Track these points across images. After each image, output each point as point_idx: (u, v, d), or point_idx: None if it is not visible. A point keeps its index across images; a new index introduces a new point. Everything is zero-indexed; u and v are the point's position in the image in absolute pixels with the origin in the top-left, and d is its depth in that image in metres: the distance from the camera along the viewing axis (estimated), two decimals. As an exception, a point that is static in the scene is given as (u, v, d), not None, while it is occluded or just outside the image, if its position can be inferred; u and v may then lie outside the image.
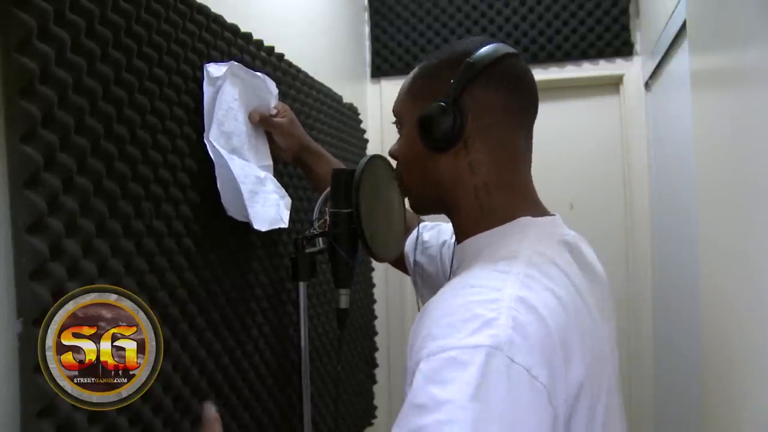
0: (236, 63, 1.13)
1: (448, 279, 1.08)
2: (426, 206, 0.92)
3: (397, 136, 0.91)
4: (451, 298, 0.69)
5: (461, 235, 0.86)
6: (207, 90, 1.07)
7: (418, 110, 0.82)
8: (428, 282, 1.24)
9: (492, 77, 0.81)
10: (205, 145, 1.05)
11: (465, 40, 0.88)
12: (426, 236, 1.24)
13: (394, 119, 0.91)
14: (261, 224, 1.11)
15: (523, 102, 0.84)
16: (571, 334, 0.68)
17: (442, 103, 0.79)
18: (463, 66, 0.80)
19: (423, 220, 1.32)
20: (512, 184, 0.83)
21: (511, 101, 0.82)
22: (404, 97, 0.88)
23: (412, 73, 0.88)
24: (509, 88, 0.82)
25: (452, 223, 0.89)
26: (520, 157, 0.84)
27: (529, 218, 0.81)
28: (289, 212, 1.21)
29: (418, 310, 1.25)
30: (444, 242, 1.20)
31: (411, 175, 0.88)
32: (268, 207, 1.15)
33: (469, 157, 0.81)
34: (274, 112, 1.24)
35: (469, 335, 0.63)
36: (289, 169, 1.42)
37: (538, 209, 0.85)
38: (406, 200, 0.94)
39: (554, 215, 0.85)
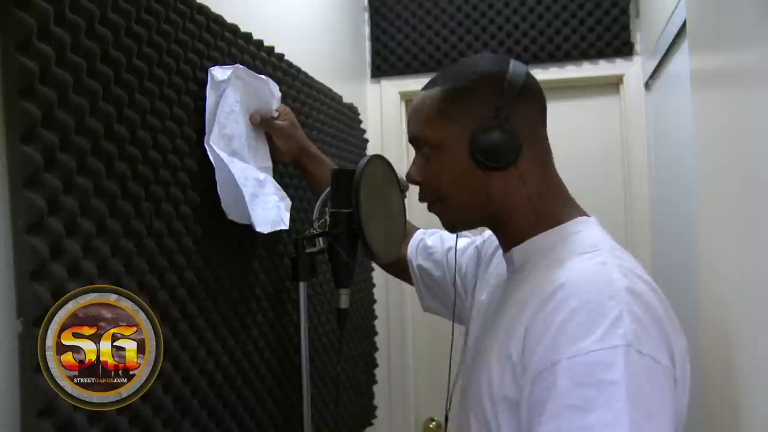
0: (241, 66, 1.14)
1: (455, 287, 1.11)
2: (469, 224, 0.96)
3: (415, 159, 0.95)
4: (565, 300, 0.74)
5: (515, 239, 0.91)
6: (210, 94, 1.07)
7: (460, 131, 0.86)
8: (431, 287, 1.25)
9: (527, 92, 0.87)
10: (206, 148, 1.05)
11: (480, 58, 0.93)
12: (429, 242, 1.25)
13: (417, 143, 0.93)
14: (263, 226, 1.11)
15: (545, 112, 0.92)
16: (669, 311, 0.78)
17: (495, 123, 0.84)
18: (506, 86, 0.85)
19: (417, 227, 1.33)
20: (556, 187, 0.92)
21: (541, 113, 0.91)
22: (435, 121, 0.89)
23: (433, 96, 0.90)
24: (538, 101, 0.90)
25: (500, 231, 0.94)
26: (552, 160, 0.93)
27: (585, 218, 0.90)
28: (289, 213, 1.21)
29: (423, 309, 1.28)
30: (449, 248, 1.21)
31: (457, 195, 0.90)
32: (268, 209, 1.15)
33: (519, 171, 0.87)
34: (275, 114, 1.24)
35: (603, 336, 0.70)
36: (289, 169, 1.42)
37: (580, 209, 0.92)
38: (441, 219, 0.97)
39: (592, 216, 0.92)
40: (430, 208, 0.96)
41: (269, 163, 1.24)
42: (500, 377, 0.80)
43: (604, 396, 0.67)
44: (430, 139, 0.90)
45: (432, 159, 0.91)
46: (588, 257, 0.80)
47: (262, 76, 1.21)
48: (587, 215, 0.91)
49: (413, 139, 0.94)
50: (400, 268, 1.30)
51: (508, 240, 0.92)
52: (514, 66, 0.88)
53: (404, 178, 1.19)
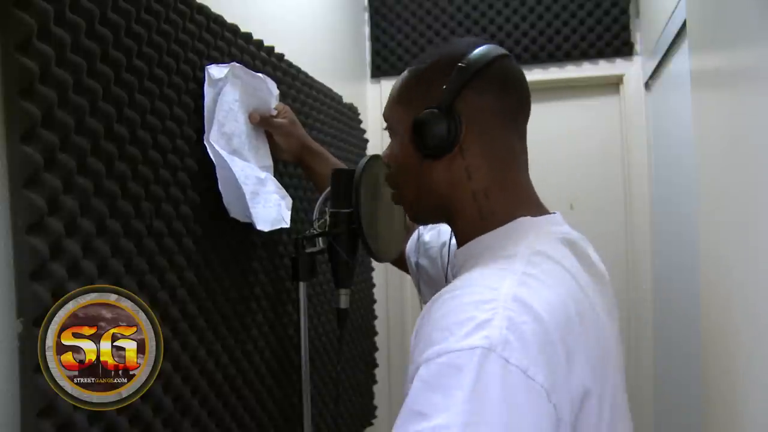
0: (238, 64, 1.14)
1: (447, 281, 1.08)
2: (423, 215, 0.90)
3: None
4: (449, 300, 0.69)
5: (461, 239, 0.85)
6: (208, 92, 1.07)
7: (410, 117, 0.81)
8: (430, 283, 1.24)
9: (484, 81, 0.79)
10: (206, 146, 1.05)
11: (455, 41, 0.87)
12: (426, 237, 1.24)
13: (385, 125, 0.89)
14: (264, 225, 1.11)
15: (516, 104, 0.82)
16: (573, 334, 0.67)
17: (436, 110, 0.78)
18: (455, 71, 0.78)
19: None
20: (510, 186, 0.82)
21: (505, 104, 0.81)
22: (394, 103, 0.85)
23: (401, 78, 0.86)
24: (502, 90, 0.81)
25: (452, 228, 0.88)
26: (516, 159, 0.83)
27: (528, 218, 0.81)
28: (290, 212, 1.21)
29: (421, 310, 1.26)
30: (444, 243, 1.20)
31: (405, 183, 0.86)
32: (269, 207, 1.15)
33: (465, 163, 0.80)
34: (274, 113, 1.24)
35: (463, 338, 0.62)
36: (290, 169, 1.42)
37: (537, 209, 0.84)
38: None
39: (554, 213, 0.85)
40: (393, 197, 0.92)
41: (270, 162, 1.24)
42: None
43: (446, 402, 0.59)
44: (386, 119, 0.87)
45: (392, 140, 0.88)
46: (499, 264, 0.73)
47: (260, 75, 1.21)
48: (540, 214, 0.82)
49: (384, 118, 0.90)
50: (403, 264, 1.30)
51: (460, 238, 0.87)
52: (479, 51, 0.80)
53: (404, 178, 1.19)
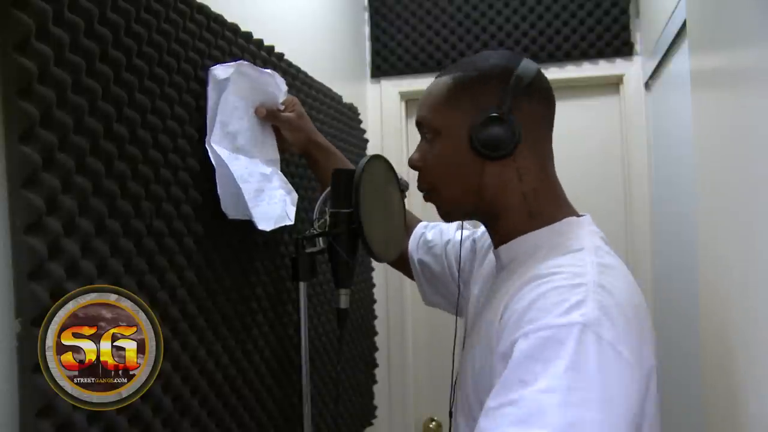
0: (245, 62, 1.13)
1: (458, 284, 1.11)
2: (461, 214, 0.96)
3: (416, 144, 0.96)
4: (543, 284, 0.75)
5: (505, 236, 0.91)
6: (211, 94, 1.07)
7: (463, 119, 0.86)
8: (432, 281, 1.24)
9: (535, 90, 0.88)
10: (207, 149, 1.05)
11: (491, 53, 0.93)
12: (429, 236, 1.24)
13: (422, 128, 0.94)
14: (266, 224, 1.11)
15: (553, 113, 0.92)
16: (642, 318, 0.76)
17: (498, 114, 0.84)
18: (513, 79, 0.86)
19: (421, 220, 1.32)
20: (553, 186, 0.91)
21: (548, 111, 0.91)
22: (442, 106, 0.90)
23: (443, 83, 0.91)
24: (546, 100, 0.90)
25: (492, 227, 0.94)
26: (552, 161, 0.93)
27: (574, 218, 0.89)
28: (295, 208, 1.21)
29: (425, 303, 1.28)
30: (448, 241, 1.21)
31: (449, 184, 0.91)
32: (273, 204, 1.15)
33: (516, 165, 0.87)
34: (282, 107, 1.24)
35: (561, 315, 0.70)
36: (291, 168, 1.42)
37: (574, 209, 0.92)
38: (436, 208, 0.98)
39: (586, 214, 0.92)
40: (426, 197, 0.96)
41: (276, 156, 1.23)
42: (485, 375, 0.79)
43: (547, 371, 0.66)
44: (433, 123, 0.91)
45: (433, 144, 0.92)
46: (570, 256, 0.81)
47: (268, 70, 1.21)
48: (578, 215, 0.91)
49: (419, 123, 0.95)
50: (403, 263, 1.30)
51: (498, 236, 0.93)
52: (526, 63, 0.88)
53: (404, 178, 1.19)
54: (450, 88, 0.90)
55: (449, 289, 1.21)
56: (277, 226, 1.14)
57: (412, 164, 0.96)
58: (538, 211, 0.88)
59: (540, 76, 0.90)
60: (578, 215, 0.91)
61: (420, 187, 0.97)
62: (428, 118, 0.92)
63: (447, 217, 0.97)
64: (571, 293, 0.72)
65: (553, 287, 0.74)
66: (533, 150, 0.88)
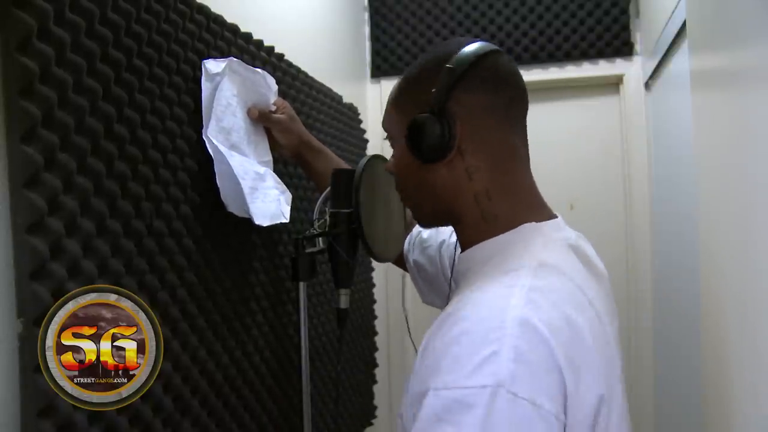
0: (235, 59, 1.13)
1: (450, 285, 1.09)
2: (429, 219, 0.90)
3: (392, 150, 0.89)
4: (458, 323, 0.69)
5: (465, 243, 0.85)
6: (205, 86, 1.07)
7: (403, 122, 0.80)
8: (428, 281, 1.24)
9: (474, 79, 0.78)
10: (204, 141, 1.05)
11: (443, 43, 0.86)
12: (425, 235, 1.24)
13: (385, 135, 0.89)
14: (262, 219, 1.11)
15: (509, 99, 0.81)
16: (581, 349, 0.68)
17: (427, 114, 0.77)
18: (443, 72, 0.77)
19: None
20: (513, 187, 0.81)
21: (498, 100, 0.80)
22: (391, 111, 0.85)
23: (395, 85, 0.86)
24: (494, 87, 0.80)
25: (455, 231, 0.87)
26: (517, 157, 0.82)
27: (533, 224, 0.80)
28: (289, 207, 1.21)
29: (423, 302, 1.26)
30: (443, 242, 1.20)
31: (408, 189, 0.87)
32: (268, 202, 1.15)
33: (464, 164, 0.79)
34: (273, 108, 1.24)
35: (472, 373, 0.64)
36: (290, 168, 1.42)
37: (541, 212, 0.83)
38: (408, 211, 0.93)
39: (557, 217, 0.84)
40: (402, 202, 0.93)
41: (269, 157, 1.23)
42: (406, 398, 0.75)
43: None
44: (386, 127, 0.88)
45: (393, 149, 0.88)
46: (506, 278, 0.73)
47: (258, 70, 1.20)
48: (540, 219, 0.81)
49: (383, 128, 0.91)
50: (403, 263, 1.29)
51: (463, 242, 0.87)
52: (467, 50, 0.79)
53: (404, 179, 1.19)
54: (397, 90, 0.85)
55: (443, 289, 1.21)
56: (273, 222, 1.14)
57: (388, 170, 0.92)
58: (491, 213, 0.80)
59: (485, 63, 0.79)
60: (540, 219, 0.81)
61: (396, 190, 0.94)
62: (383, 123, 0.88)
63: (420, 222, 0.93)
64: (485, 341, 0.65)
65: (468, 331, 0.67)
66: (481, 145, 0.79)
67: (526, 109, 0.84)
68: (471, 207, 0.81)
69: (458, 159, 0.79)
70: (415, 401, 0.68)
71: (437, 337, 0.70)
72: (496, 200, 0.80)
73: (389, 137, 0.88)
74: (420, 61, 0.84)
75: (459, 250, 0.89)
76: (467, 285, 0.78)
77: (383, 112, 0.88)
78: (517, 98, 0.82)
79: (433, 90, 0.77)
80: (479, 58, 0.79)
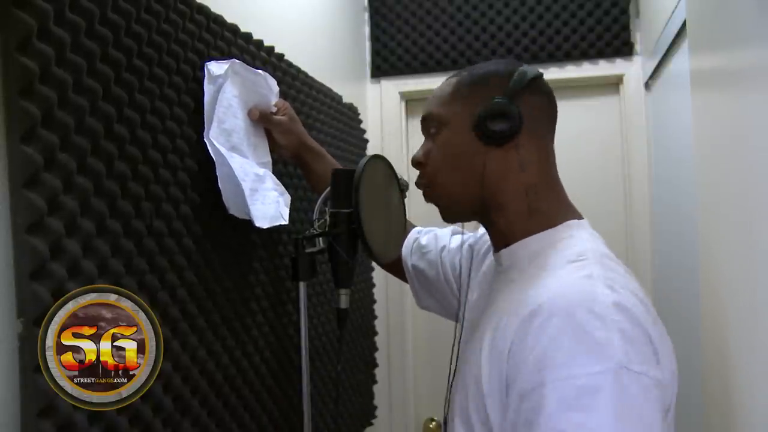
0: (237, 61, 1.14)
1: (453, 286, 1.10)
2: (461, 210, 0.95)
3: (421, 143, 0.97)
4: (557, 312, 0.73)
5: (505, 238, 0.90)
6: (208, 88, 1.07)
7: (469, 109, 0.88)
8: (426, 285, 1.24)
9: (537, 88, 0.90)
10: (206, 143, 1.05)
11: (499, 59, 0.99)
12: (423, 240, 1.24)
13: (427, 125, 0.96)
14: (262, 221, 1.11)
15: (554, 113, 0.94)
16: (658, 325, 0.76)
17: (502, 99, 0.86)
18: (517, 73, 0.89)
19: (415, 225, 1.32)
20: (554, 184, 0.91)
21: (549, 110, 0.93)
22: (447, 101, 0.92)
23: (453, 81, 0.94)
24: (548, 100, 0.93)
25: (492, 227, 0.93)
26: (554, 160, 0.93)
27: (576, 221, 0.88)
28: (288, 209, 1.21)
29: (419, 307, 1.26)
30: (443, 247, 1.21)
31: (452, 174, 0.91)
32: (268, 204, 1.15)
33: (519, 156, 0.87)
34: (274, 109, 1.24)
35: (590, 359, 0.69)
36: (290, 168, 1.42)
37: (575, 212, 0.92)
38: (438, 207, 0.98)
39: (584, 219, 0.92)
40: (427, 195, 0.96)
41: (269, 159, 1.24)
42: (488, 381, 0.79)
43: (593, 420, 0.67)
44: (439, 115, 0.93)
45: (437, 137, 0.93)
46: (574, 267, 0.79)
47: (260, 71, 1.21)
48: (579, 218, 0.91)
49: (424, 119, 0.96)
50: (397, 268, 1.29)
51: (499, 237, 0.92)
52: (528, 66, 0.92)
53: (404, 178, 1.19)
54: (456, 85, 0.93)
55: (443, 293, 1.21)
56: (273, 224, 1.14)
57: (416, 161, 0.97)
58: (537, 207, 0.88)
59: (542, 79, 0.93)
60: (579, 218, 0.91)
61: (420, 184, 0.97)
62: (434, 112, 0.94)
63: (448, 213, 0.96)
64: (591, 328, 0.70)
65: (569, 322, 0.72)
66: (535, 143, 0.89)
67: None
68: (519, 198, 0.88)
69: (514, 150, 0.88)
70: (525, 396, 0.71)
71: (525, 336, 0.74)
72: (542, 196, 0.89)
73: (436, 123, 0.93)
74: (482, 67, 0.94)
75: (484, 249, 1.00)
76: (526, 277, 0.83)
77: (429, 105, 0.95)
78: (556, 116, 0.95)
79: (506, 86, 0.88)
80: (541, 75, 0.93)
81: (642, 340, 0.72)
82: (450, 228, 1.23)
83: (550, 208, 0.89)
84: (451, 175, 0.92)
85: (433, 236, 1.24)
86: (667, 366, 0.74)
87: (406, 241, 1.27)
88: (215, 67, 1.09)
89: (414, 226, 1.32)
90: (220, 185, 1.05)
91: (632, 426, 0.68)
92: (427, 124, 0.96)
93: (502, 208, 0.89)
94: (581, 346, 0.70)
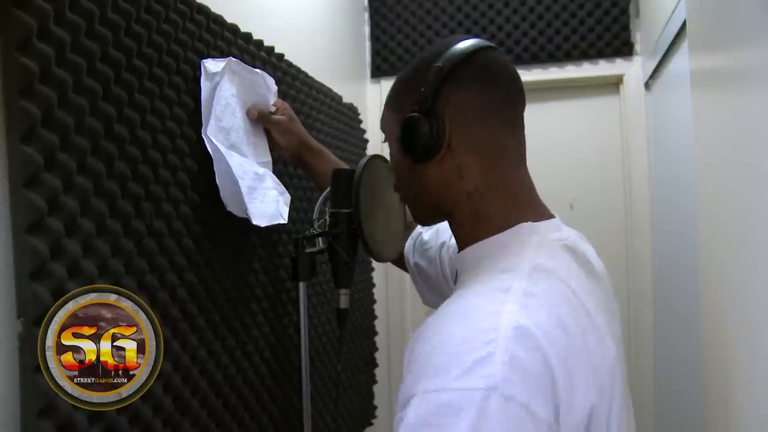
0: (234, 59, 1.13)
1: (450, 286, 1.08)
2: (425, 217, 0.90)
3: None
4: (449, 323, 0.67)
5: (460, 243, 0.84)
6: (204, 85, 1.07)
7: (396, 121, 0.81)
8: (429, 283, 1.24)
9: (462, 78, 0.78)
10: (204, 140, 1.05)
11: (438, 41, 0.86)
12: (425, 236, 1.24)
13: (384, 137, 0.89)
14: (260, 220, 1.11)
15: (502, 96, 0.80)
16: (575, 356, 0.66)
17: (416, 113, 0.77)
18: (431, 72, 0.77)
19: None
20: (506, 185, 0.80)
21: (489, 98, 0.79)
22: (386, 112, 0.86)
23: (391, 86, 0.87)
24: (483, 85, 0.79)
25: (452, 230, 0.87)
26: (510, 155, 0.81)
27: (529, 224, 0.79)
28: (288, 208, 1.21)
29: (424, 303, 1.25)
30: (443, 244, 1.20)
31: (404, 188, 0.87)
32: (267, 203, 1.15)
33: (455, 162, 0.79)
34: (273, 109, 1.24)
35: (463, 376, 0.62)
36: (290, 168, 1.42)
37: (537, 211, 0.82)
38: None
39: (554, 217, 0.83)
40: (402, 200, 0.93)
41: (268, 158, 1.24)
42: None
43: None
44: (382, 123, 0.88)
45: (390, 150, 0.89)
46: (501, 280, 0.72)
47: (257, 70, 1.20)
48: (537, 218, 0.81)
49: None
50: (403, 264, 1.29)
51: (459, 242, 0.86)
52: (456, 48, 0.79)
53: (404, 178, 1.19)
54: (392, 90, 0.86)
55: (443, 291, 1.20)
56: (271, 223, 1.14)
57: (389, 170, 0.93)
58: (485, 212, 0.80)
59: (475, 60, 0.78)
60: (536, 219, 0.80)
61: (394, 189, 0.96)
62: (381, 124, 0.89)
63: (417, 219, 0.93)
64: (477, 343, 0.63)
65: (461, 332, 0.66)
66: (472, 144, 0.79)
67: (522, 106, 0.83)
68: (464, 205, 0.80)
69: (448, 157, 0.79)
70: (401, 407, 0.65)
71: (426, 339, 0.68)
72: (490, 198, 0.79)
73: (386, 138, 0.88)
74: (413, 61, 0.84)
75: (454, 247, 0.88)
76: (461, 285, 0.78)
77: (381, 113, 0.88)
78: (509, 96, 0.81)
79: (423, 89, 0.77)
80: (468, 56, 0.78)
81: (535, 371, 0.63)
82: None
83: (500, 210, 0.80)
84: (405, 188, 0.87)
85: (435, 232, 1.24)
86: (576, 403, 0.65)
87: (410, 237, 1.27)
88: (212, 65, 1.09)
89: None
90: (217, 182, 1.05)
91: None
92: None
93: (452, 215, 0.83)
94: (459, 360, 0.63)
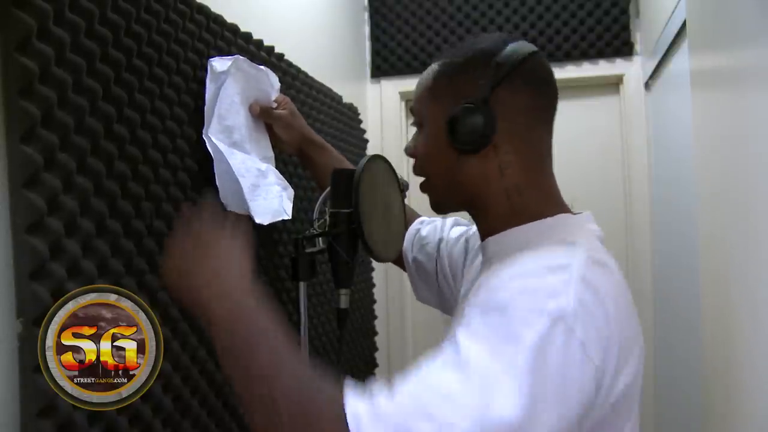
0: (241, 57, 1.14)
1: (449, 282, 1.08)
2: (448, 206, 0.92)
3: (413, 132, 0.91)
4: (525, 262, 0.72)
5: (490, 231, 0.87)
6: (210, 85, 1.07)
7: (443, 110, 0.82)
8: (425, 279, 1.23)
9: (518, 78, 0.81)
10: (204, 140, 1.05)
11: (485, 36, 0.88)
12: (423, 232, 1.24)
13: (412, 118, 0.91)
14: (262, 218, 1.11)
15: (546, 101, 0.85)
16: (629, 327, 0.72)
17: (472, 105, 0.79)
18: (491, 66, 0.80)
19: (420, 215, 1.32)
20: (541, 184, 0.85)
21: (537, 102, 0.83)
22: (426, 96, 0.87)
23: (431, 70, 0.87)
24: (534, 88, 0.83)
25: (478, 221, 0.90)
26: (546, 157, 0.86)
27: (569, 215, 0.84)
28: (292, 203, 1.21)
29: (417, 299, 1.25)
30: (440, 239, 1.20)
31: (432, 174, 0.89)
32: (270, 199, 1.15)
33: (497, 159, 0.82)
34: (274, 104, 1.24)
35: (539, 299, 0.66)
36: (290, 168, 1.42)
37: (567, 209, 0.87)
38: (428, 199, 0.95)
39: (586, 212, 0.88)
40: (421, 186, 0.94)
41: (271, 153, 1.23)
42: None
43: (509, 351, 0.63)
44: (419, 111, 0.89)
45: (421, 133, 0.90)
46: (562, 246, 0.76)
47: (262, 67, 1.21)
48: (572, 213, 0.87)
49: (411, 110, 0.93)
50: (399, 259, 1.29)
51: (484, 230, 0.89)
52: (513, 47, 0.82)
53: (404, 178, 1.19)
54: (435, 77, 0.86)
55: (440, 287, 1.20)
56: (274, 220, 1.14)
57: (407, 152, 0.94)
58: (522, 208, 0.83)
59: (530, 64, 0.82)
60: (572, 213, 0.86)
61: (414, 173, 0.96)
62: (416, 108, 0.90)
63: (436, 207, 0.94)
64: (551, 278, 0.68)
65: (537, 268, 0.70)
66: (515, 144, 0.82)
67: (555, 112, 0.87)
68: (501, 201, 0.84)
69: (492, 154, 0.81)
70: (467, 306, 0.70)
71: (502, 268, 0.72)
72: (527, 196, 0.83)
73: (418, 121, 0.90)
74: (462, 51, 0.85)
75: (477, 239, 0.92)
76: (501, 265, 0.78)
77: (414, 96, 0.90)
78: (551, 102, 0.85)
79: (479, 83, 0.79)
80: (524, 58, 0.81)
81: (599, 323, 0.67)
82: (453, 219, 1.22)
83: (535, 206, 0.84)
84: (434, 176, 0.89)
85: (434, 227, 1.24)
86: (623, 366, 0.70)
87: (408, 232, 1.27)
88: (219, 64, 1.09)
89: (418, 216, 1.31)
90: (217, 182, 1.05)
91: (541, 385, 0.63)
92: (413, 116, 0.93)
93: (485, 209, 0.86)
94: (535, 286, 0.68)
